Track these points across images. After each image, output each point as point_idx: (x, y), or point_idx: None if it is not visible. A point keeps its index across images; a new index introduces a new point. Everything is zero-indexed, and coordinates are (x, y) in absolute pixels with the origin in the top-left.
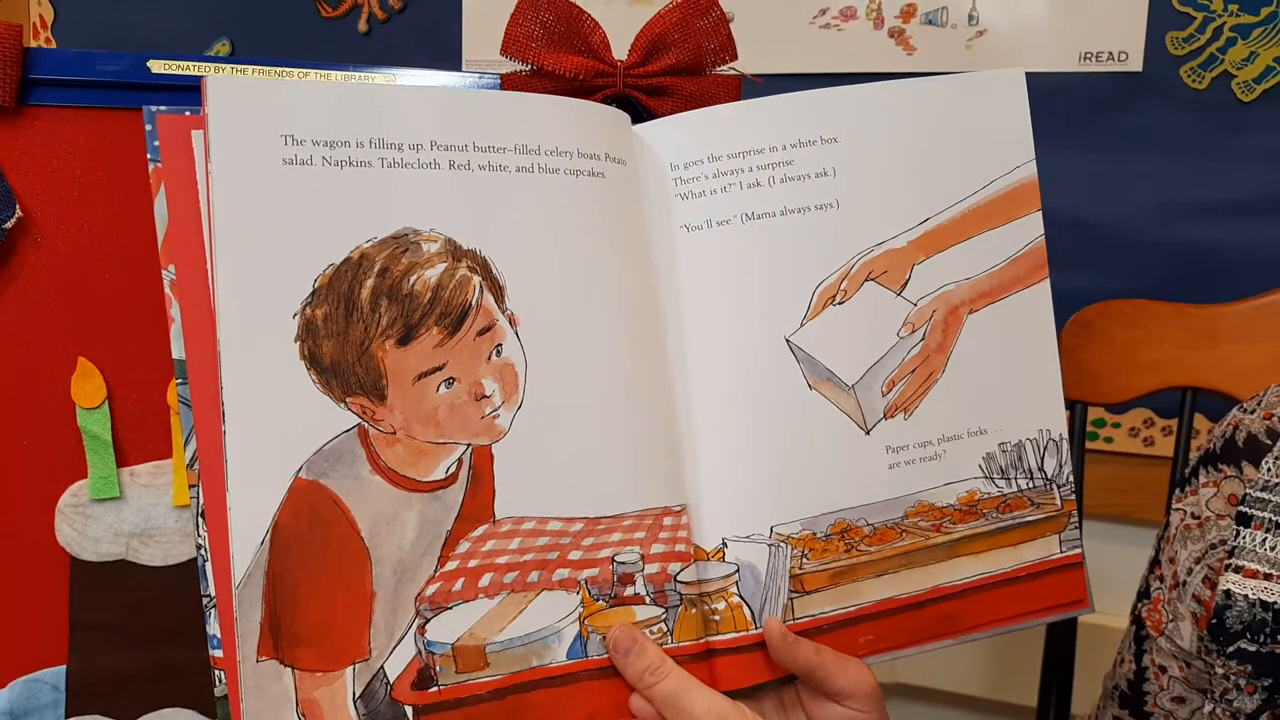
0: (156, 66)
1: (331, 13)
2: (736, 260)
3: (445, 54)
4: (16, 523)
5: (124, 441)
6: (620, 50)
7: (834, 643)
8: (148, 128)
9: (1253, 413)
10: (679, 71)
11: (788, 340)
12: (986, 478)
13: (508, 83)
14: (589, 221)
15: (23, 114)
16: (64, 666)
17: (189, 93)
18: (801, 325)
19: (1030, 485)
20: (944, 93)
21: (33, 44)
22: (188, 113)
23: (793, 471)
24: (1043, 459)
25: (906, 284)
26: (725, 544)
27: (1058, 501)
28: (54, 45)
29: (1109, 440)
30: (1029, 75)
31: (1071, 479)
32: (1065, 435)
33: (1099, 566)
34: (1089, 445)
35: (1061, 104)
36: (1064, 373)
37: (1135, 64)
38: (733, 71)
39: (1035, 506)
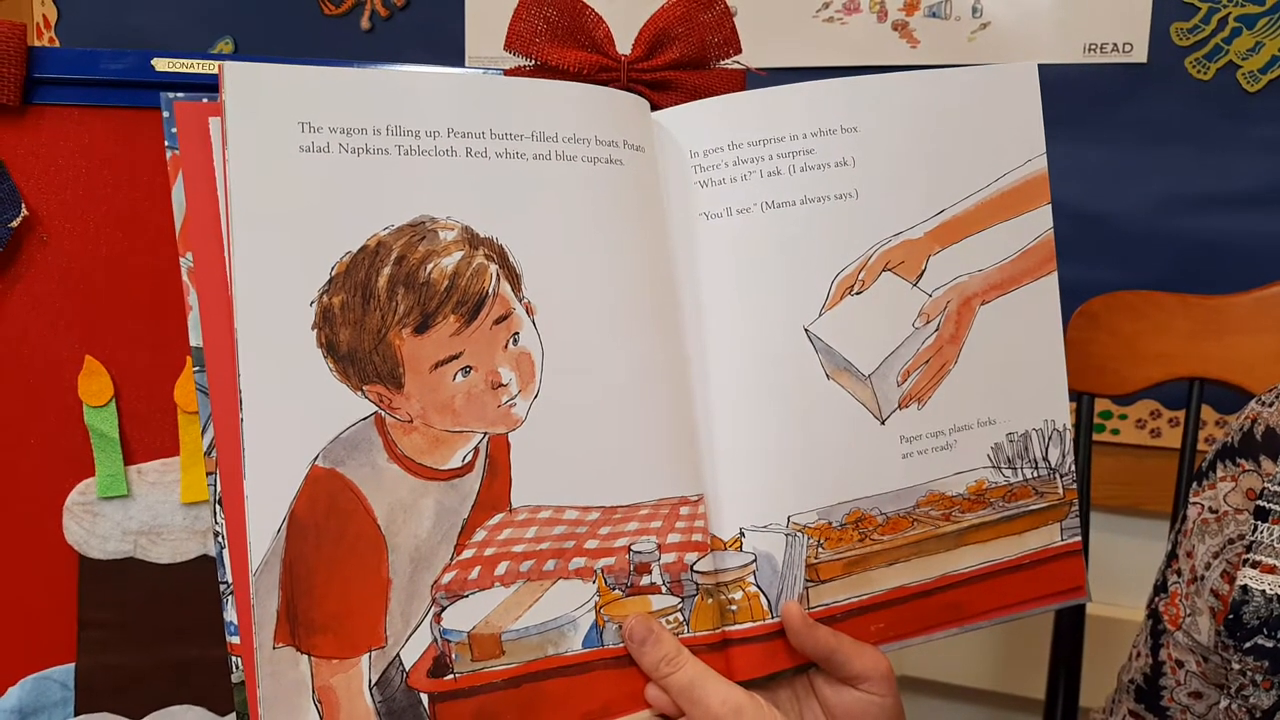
0: (161, 65)
1: (334, 10)
2: (756, 249)
3: (448, 51)
4: (25, 521)
5: (131, 439)
6: (624, 44)
7: (846, 631)
8: (165, 115)
9: (1271, 405)
10: (683, 66)
11: (806, 330)
12: (994, 467)
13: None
14: (607, 209)
15: (27, 113)
16: (73, 664)
17: (192, 91)
18: (820, 315)
19: (1035, 475)
20: (959, 84)
21: (36, 44)
22: (205, 100)
23: (810, 461)
24: (1047, 449)
25: (922, 275)
26: (742, 534)
27: (1060, 490)
28: (57, 45)
29: (1116, 432)
30: None
31: (1073, 468)
32: (1069, 425)
33: (1106, 559)
34: (1096, 437)
35: (1066, 96)
36: (1070, 365)
37: (1140, 55)
38: (737, 65)
39: (1039, 495)
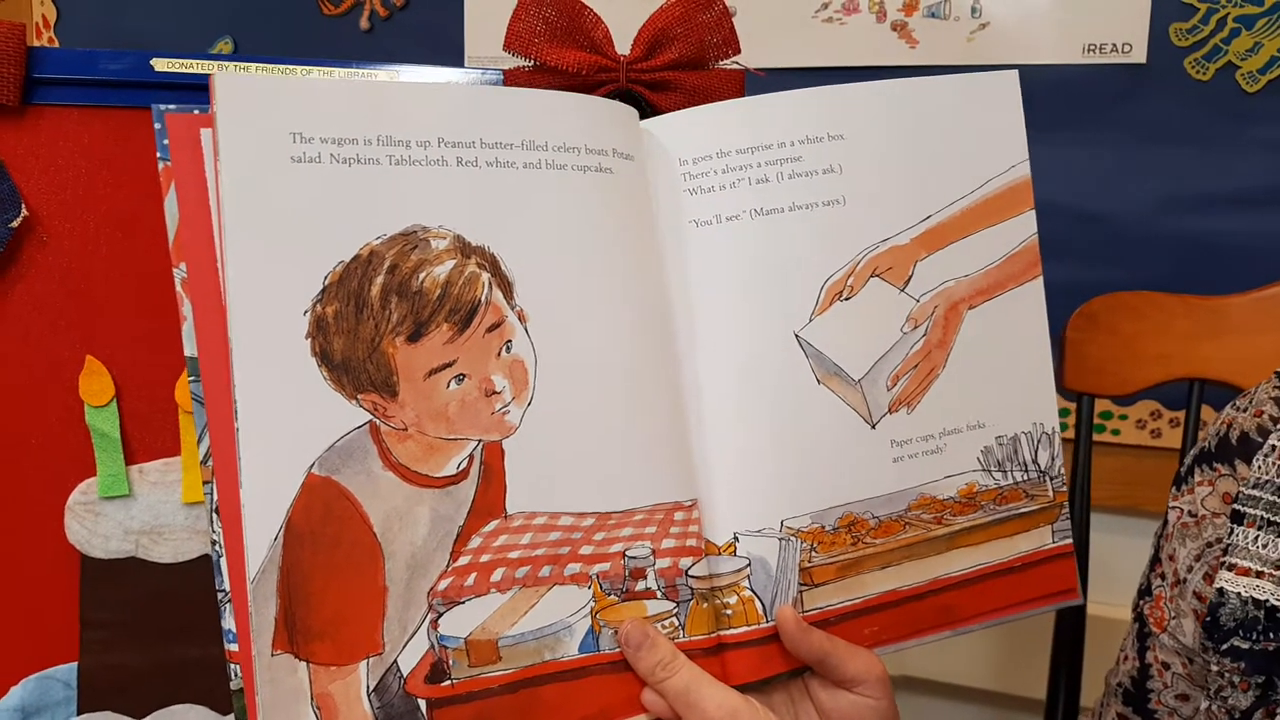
0: (160, 65)
1: (333, 10)
2: (746, 255)
3: (447, 50)
4: (27, 521)
5: (133, 439)
6: (623, 45)
7: (840, 634)
8: (157, 126)
9: (1245, 410)
10: (682, 66)
11: (797, 335)
12: (984, 470)
13: (510, 79)
14: (597, 217)
15: (27, 113)
16: (75, 664)
17: (192, 91)
18: (810, 320)
19: (1025, 478)
20: (943, 92)
21: (35, 44)
22: (196, 111)
23: (802, 465)
24: (1036, 452)
25: (909, 280)
26: (736, 538)
27: (1050, 493)
28: (57, 45)
29: (1116, 433)
30: (1033, 68)
31: (1063, 471)
32: (1057, 428)
33: (1107, 559)
34: (1096, 438)
35: (1065, 97)
36: (1070, 365)
37: (1139, 56)
38: (736, 66)
39: (1029, 498)
